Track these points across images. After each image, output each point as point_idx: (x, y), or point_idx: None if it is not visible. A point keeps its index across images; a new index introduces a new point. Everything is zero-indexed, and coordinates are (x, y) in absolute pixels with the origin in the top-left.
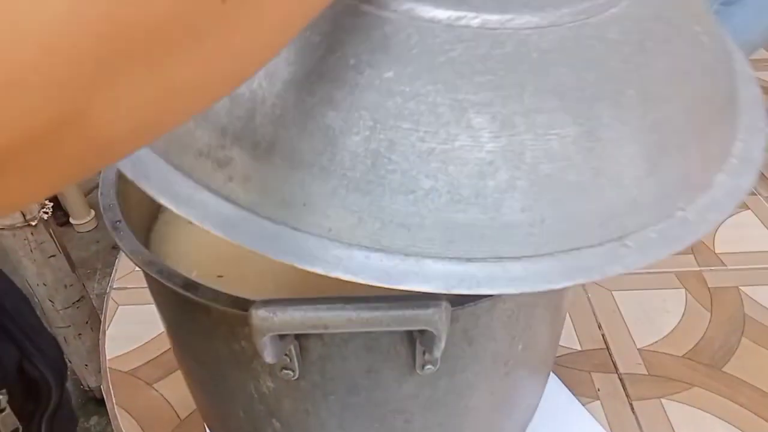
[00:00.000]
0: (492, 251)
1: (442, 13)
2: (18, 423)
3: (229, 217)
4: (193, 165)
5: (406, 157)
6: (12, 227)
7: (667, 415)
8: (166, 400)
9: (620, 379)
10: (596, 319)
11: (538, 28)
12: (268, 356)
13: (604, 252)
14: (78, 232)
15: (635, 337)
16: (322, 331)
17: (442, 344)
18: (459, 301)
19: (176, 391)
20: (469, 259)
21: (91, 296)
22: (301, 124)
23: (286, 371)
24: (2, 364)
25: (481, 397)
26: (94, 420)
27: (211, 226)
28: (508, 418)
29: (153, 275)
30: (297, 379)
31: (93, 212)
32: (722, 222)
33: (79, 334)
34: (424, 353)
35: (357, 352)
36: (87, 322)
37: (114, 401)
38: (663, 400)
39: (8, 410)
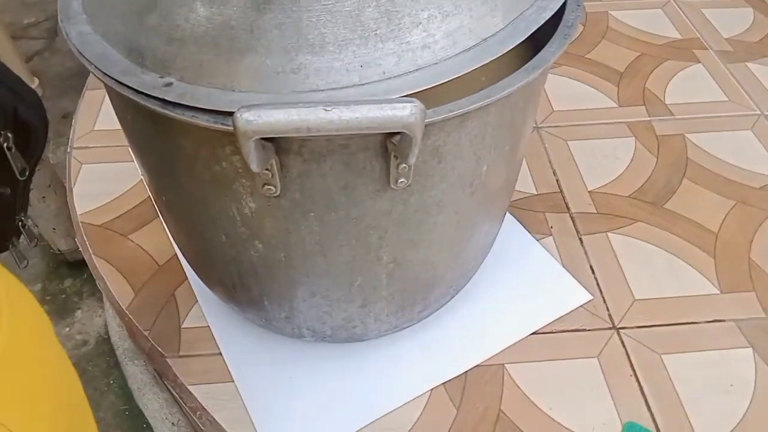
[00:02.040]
0: (479, 37)
1: None
2: (25, 163)
3: None
4: None
5: (404, 3)
6: None
7: (611, 245)
8: (143, 249)
9: (571, 218)
10: (551, 166)
11: None
12: (253, 163)
13: (535, 9)
14: None
15: (586, 180)
16: (305, 134)
17: (417, 149)
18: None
19: (153, 240)
20: (468, 48)
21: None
22: None
23: (268, 187)
24: (2, 106)
25: (448, 215)
26: (68, 282)
27: None
28: (470, 239)
29: (128, 96)
30: (278, 197)
31: (37, 80)
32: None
33: (43, 197)
34: (398, 167)
35: (334, 168)
36: (50, 186)
37: (91, 252)
38: (609, 234)
39: (15, 150)
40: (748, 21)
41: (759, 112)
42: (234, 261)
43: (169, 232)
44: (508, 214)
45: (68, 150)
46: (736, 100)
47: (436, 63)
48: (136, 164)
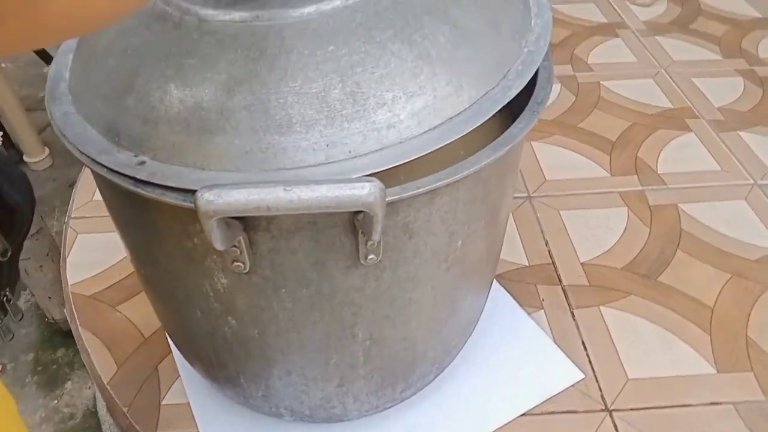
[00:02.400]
0: (444, 116)
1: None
2: (7, 244)
3: None
4: None
5: (369, 85)
6: None
7: (604, 320)
8: (130, 321)
9: (563, 290)
10: (543, 237)
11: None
12: (217, 241)
13: (501, 88)
14: (33, 171)
15: (579, 252)
16: (265, 213)
17: (380, 226)
18: (398, 191)
19: (140, 312)
20: (433, 127)
21: (51, 233)
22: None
23: (237, 264)
24: None
25: (424, 291)
26: (61, 352)
27: None
28: (451, 315)
29: (103, 174)
30: (248, 273)
31: (47, 150)
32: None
33: (41, 266)
34: (366, 243)
35: (304, 245)
36: (47, 254)
37: (78, 323)
38: (601, 308)
39: None
40: (739, 90)
41: (753, 182)
42: (210, 336)
43: (151, 304)
44: (498, 286)
45: (66, 220)
46: (729, 169)
47: (401, 142)
48: None
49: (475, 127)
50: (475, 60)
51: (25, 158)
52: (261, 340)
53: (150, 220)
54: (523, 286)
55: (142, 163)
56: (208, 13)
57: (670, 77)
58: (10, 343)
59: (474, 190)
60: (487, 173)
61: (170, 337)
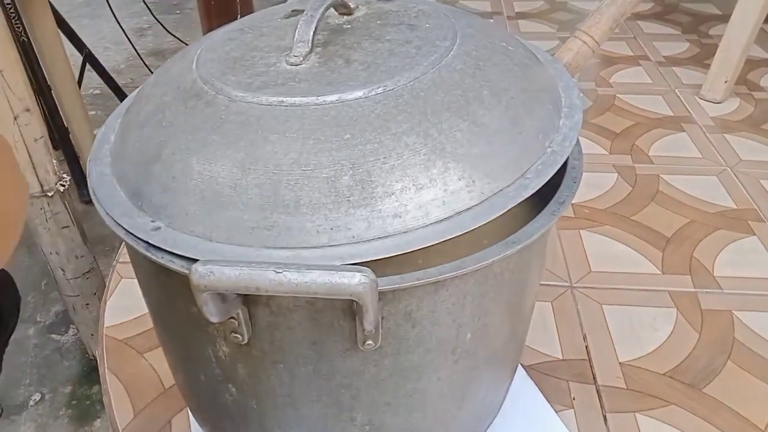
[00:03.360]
0: (452, 210)
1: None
2: None
3: None
4: None
5: (379, 174)
6: (30, 196)
7: (639, 429)
8: (154, 370)
9: (597, 391)
10: (582, 330)
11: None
12: (209, 314)
13: (516, 186)
14: None
15: (619, 351)
16: (254, 292)
17: (371, 316)
18: (397, 280)
19: (164, 362)
20: (440, 220)
21: (105, 273)
22: None
23: (234, 335)
24: None
25: (428, 381)
26: (96, 389)
27: None
28: (461, 408)
29: (121, 236)
30: (248, 345)
31: None
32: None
33: (87, 304)
34: (363, 329)
35: (302, 323)
36: (95, 293)
37: (106, 366)
38: (638, 415)
39: None
40: None
41: None
42: (212, 400)
43: (165, 357)
44: (527, 377)
45: (114, 263)
46: None
47: (405, 231)
48: None
49: (483, 223)
50: (491, 157)
51: None
52: (259, 411)
53: (162, 281)
54: (554, 381)
55: (158, 228)
56: (239, 94)
57: (736, 177)
58: (51, 372)
59: (485, 284)
60: (500, 268)
61: (180, 393)
